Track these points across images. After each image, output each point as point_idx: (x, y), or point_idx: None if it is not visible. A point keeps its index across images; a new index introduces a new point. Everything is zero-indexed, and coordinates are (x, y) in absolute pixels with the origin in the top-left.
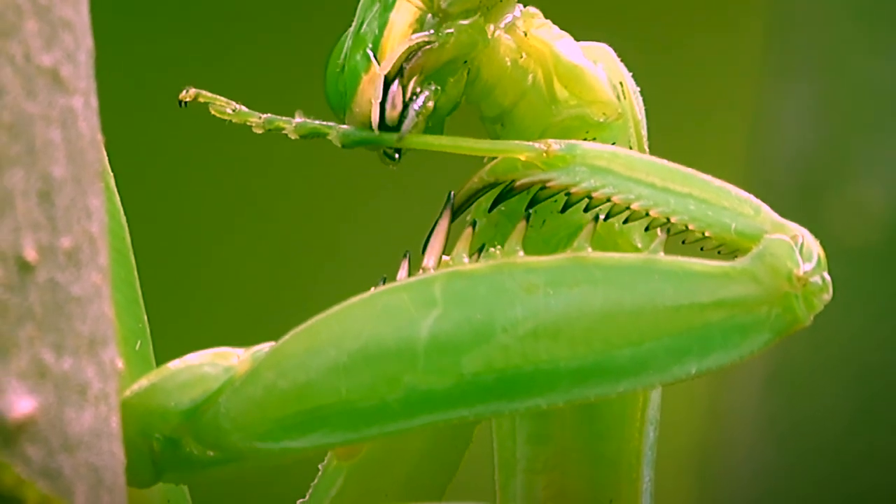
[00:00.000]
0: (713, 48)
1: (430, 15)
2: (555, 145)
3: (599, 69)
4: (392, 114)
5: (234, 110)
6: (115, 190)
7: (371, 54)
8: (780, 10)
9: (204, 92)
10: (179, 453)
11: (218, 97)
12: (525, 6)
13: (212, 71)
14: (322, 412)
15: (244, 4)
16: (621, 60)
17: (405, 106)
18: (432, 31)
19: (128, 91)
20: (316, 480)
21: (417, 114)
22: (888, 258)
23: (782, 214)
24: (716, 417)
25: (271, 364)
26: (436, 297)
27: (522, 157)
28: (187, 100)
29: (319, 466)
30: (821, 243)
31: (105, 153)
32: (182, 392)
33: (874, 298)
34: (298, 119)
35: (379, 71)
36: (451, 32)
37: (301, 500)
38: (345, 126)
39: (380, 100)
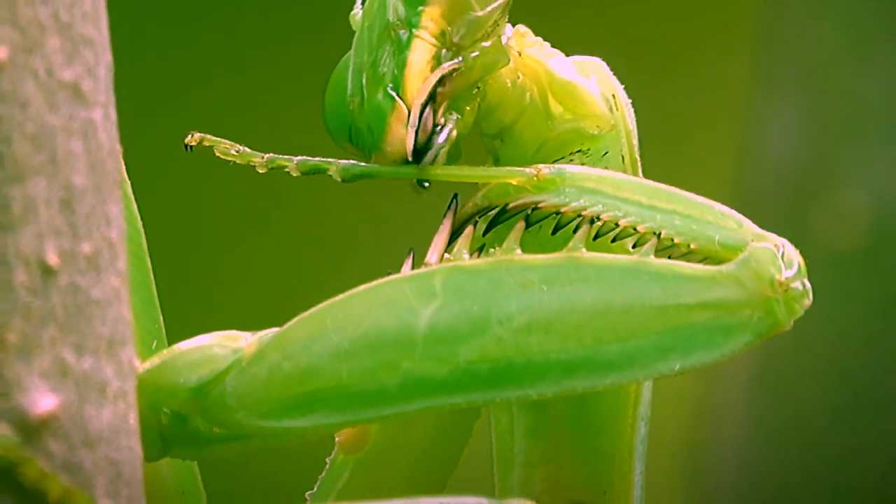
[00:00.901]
0: (705, 64)
1: (444, 50)
2: (544, 169)
3: (592, 83)
4: (421, 139)
5: (237, 151)
6: (133, 198)
7: (393, 94)
8: (767, 29)
9: (208, 136)
10: (186, 428)
11: (222, 140)
12: (514, 25)
13: (223, 83)
14: (323, 394)
15: (259, 24)
16: (617, 76)
17: (430, 136)
18: (461, 59)
19: (145, 104)
20: (324, 473)
21: (445, 143)
22: (870, 264)
23: (770, 221)
24: (704, 415)
25: (277, 347)
26: (436, 289)
27: (514, 182)
28: (192, 144)
29: (327, 460)
30: (806, 249)
31: (123, 163)
32: (191, 370)
33: (856, 302)
34: (299, 157)
35: (415, 103)
36: (477, 55)
37: (309, 492)
38: (343, 161)
39: (414, 133)
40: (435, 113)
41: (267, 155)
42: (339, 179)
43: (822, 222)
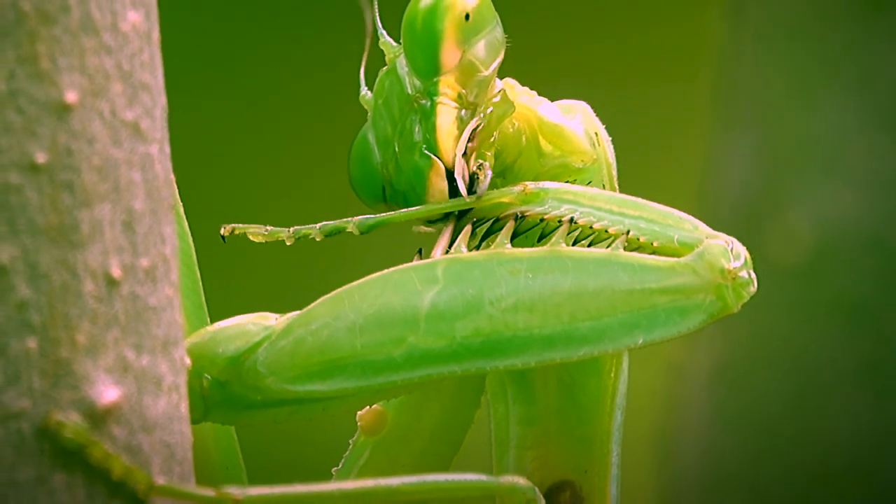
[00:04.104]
0: (672, 106)
1: (463, 110)
2: (530, 185)
3: (577, 123)
4: (467, 187)
5: (266, 231)
6: (185, 216)
7: (428, 154)
8: (726, 75)
9: (239, 225)
10: (225, 393)
11: (251, 225)
12: (503, 78)
13: (262, 130)
14: (340, 362)
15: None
16: (597, 115)
17: (472, 179)
18: (481, 115)
19: (192, 141)
20: (347, 453)
21: (488, 183)
22: (812, 275)
23: None
24: (672, 405)
25: (301, 323)
26: (438, 276)
27: (506, 200)
28: (226, 234)
29: (350, 442)
30: (759, 263)
31: (176, 189)
32: (229, 342)
33: (801, 308)
34: (320, 224)
35: (457, 158)
36: (492, 110)
37: (335, 468)
38: (359, 217)
39: (461, 181)
40: (468, 164)
41: (292, 228)
42: (358, 233)
43: (772, 240)
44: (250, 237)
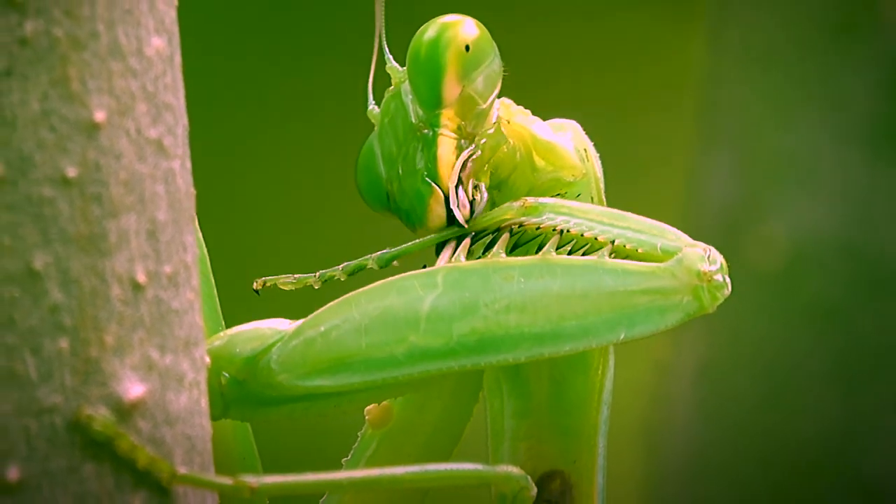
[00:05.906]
0: (657, 126)
1: (462, 139)
2: (529, 199)
3: (567, 140)
4: (464, 213)
5: (295, 279)
6: (199, 228)
7: (429, 181)
8: (708, 97)
9: (269, 277)
10: (242, 391)
11: (281, 276)
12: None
13: (279, 150)
14: (347, 360)
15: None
16: (588, 134)
17: (471, 204)
18: (473, 146)
19: (211, 156)
20: (356, 445)
21: (484, 205)
22: (788, 281)
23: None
24: (657, 400)
25: (312, 324)
26: (438, 282)
27: (508, 216)
28: (258, 288)
29: (358, 434)
30: (739, 269)
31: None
32: (245, 344)
33: (777, 311)
34: (343, 264)
35: (450, 188)
36: (485, 142)
37: (345, 458)
38: (378, 252)
39: (456, 209)
40: (465, 188)
41: (318, 273)
42: (378, 267)
43: (751, 249)
44: (280, 286)
